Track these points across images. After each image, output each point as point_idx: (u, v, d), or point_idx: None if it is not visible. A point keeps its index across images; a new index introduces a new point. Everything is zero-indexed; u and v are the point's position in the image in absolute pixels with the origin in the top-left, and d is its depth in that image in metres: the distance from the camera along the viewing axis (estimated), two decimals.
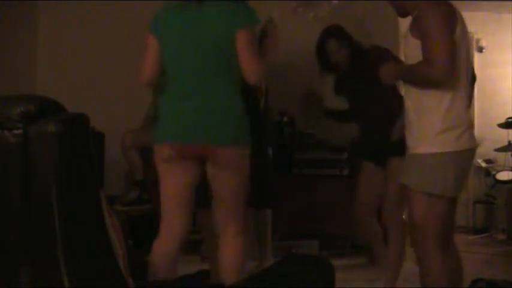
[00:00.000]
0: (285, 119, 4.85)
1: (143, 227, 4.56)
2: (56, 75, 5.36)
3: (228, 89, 2.40)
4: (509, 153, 5.53)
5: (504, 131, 5.51)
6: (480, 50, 6.00)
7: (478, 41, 6.00)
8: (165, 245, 2.48)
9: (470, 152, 2.44)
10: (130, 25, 5.28)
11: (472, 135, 2.44)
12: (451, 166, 2.37)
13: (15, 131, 1.25)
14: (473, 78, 2.67)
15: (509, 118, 5.36)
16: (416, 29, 2.36)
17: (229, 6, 2.38)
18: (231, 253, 2.47)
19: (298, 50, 4.42)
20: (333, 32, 3.39)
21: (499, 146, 5.54)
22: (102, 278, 1.31)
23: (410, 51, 2.44)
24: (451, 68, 2.27)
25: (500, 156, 5.74)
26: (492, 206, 5.72)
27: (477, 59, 6.00)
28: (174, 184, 2.45)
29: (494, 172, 5.67)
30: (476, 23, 5.91)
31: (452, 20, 2.33)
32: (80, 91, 5.16)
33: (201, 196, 2.80)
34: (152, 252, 2.47)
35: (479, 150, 5.83)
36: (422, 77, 2.37)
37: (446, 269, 2.44)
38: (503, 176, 5.52)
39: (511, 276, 3.98)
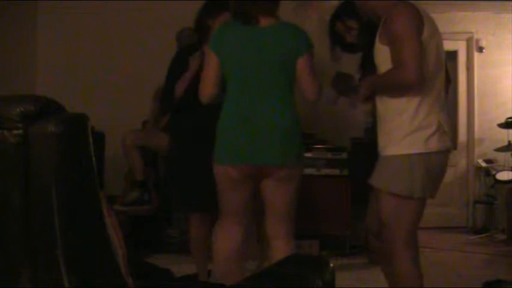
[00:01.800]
0: None
1: (143, 227, 4.57)
2: (56, 75, 5.37)
3: (288, 110, 2.51)
4: (509, 153, 5.52)
5: (504, 131, 5.51)
6: (480, 50, 5.99)
7: (478, 41, 5.99)
8: (224, 248, 2.65)
9: (441, 154, 2.40)
10: (130, 25, 5.29)
11: (443, 138, 2.39)
12: (418, 167, 2.35)
13: (15, 131, 1.25)
14: (447, 80, 2.62)
15: (509, 118, 5.35)
16: (385, 34, 2.36)
17: (292, 31, 2.53)
18: (283, 254, 2.56)
19: None
20: (341, 12, 3.30)
21: (499, 146, 5.54)
22: (102, 278, 1.31)
23: (380, 58, 2.43)
24: (423, 71, 2.26)
25: (500, 156, 5.74)
26: (492, 206, 5.72)
27: (477, 59, 6.00)
28: (234, 199, 2.61)
29: (494, 172, 5.67)
30: (476, 23, 5.91)
31: (419, 22, 2.32)
32: (79, 91, 5.16)
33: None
34: (214, 256, 2.67)
35: (479, 150, 5.91)
36: (397, 83, 2.36)
37: (418, 269, 2.43)
38: (503, 176, 5.51)
39: (511, 276, 3.98)
